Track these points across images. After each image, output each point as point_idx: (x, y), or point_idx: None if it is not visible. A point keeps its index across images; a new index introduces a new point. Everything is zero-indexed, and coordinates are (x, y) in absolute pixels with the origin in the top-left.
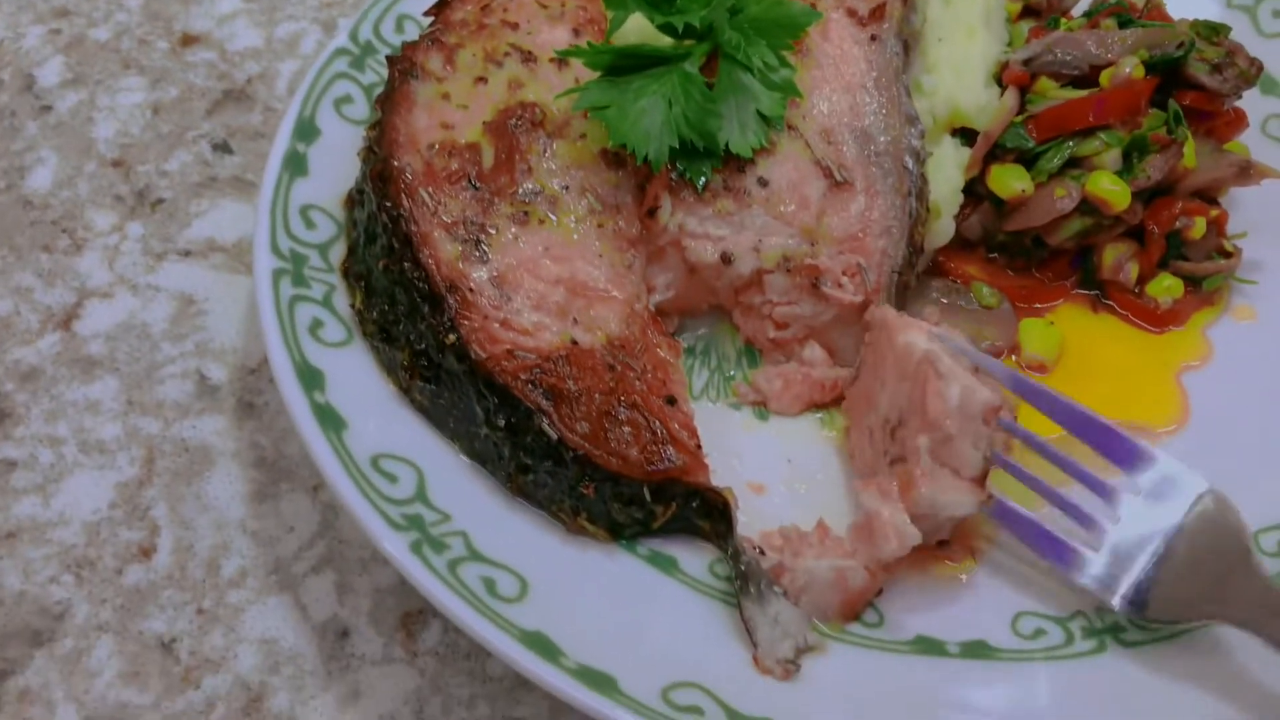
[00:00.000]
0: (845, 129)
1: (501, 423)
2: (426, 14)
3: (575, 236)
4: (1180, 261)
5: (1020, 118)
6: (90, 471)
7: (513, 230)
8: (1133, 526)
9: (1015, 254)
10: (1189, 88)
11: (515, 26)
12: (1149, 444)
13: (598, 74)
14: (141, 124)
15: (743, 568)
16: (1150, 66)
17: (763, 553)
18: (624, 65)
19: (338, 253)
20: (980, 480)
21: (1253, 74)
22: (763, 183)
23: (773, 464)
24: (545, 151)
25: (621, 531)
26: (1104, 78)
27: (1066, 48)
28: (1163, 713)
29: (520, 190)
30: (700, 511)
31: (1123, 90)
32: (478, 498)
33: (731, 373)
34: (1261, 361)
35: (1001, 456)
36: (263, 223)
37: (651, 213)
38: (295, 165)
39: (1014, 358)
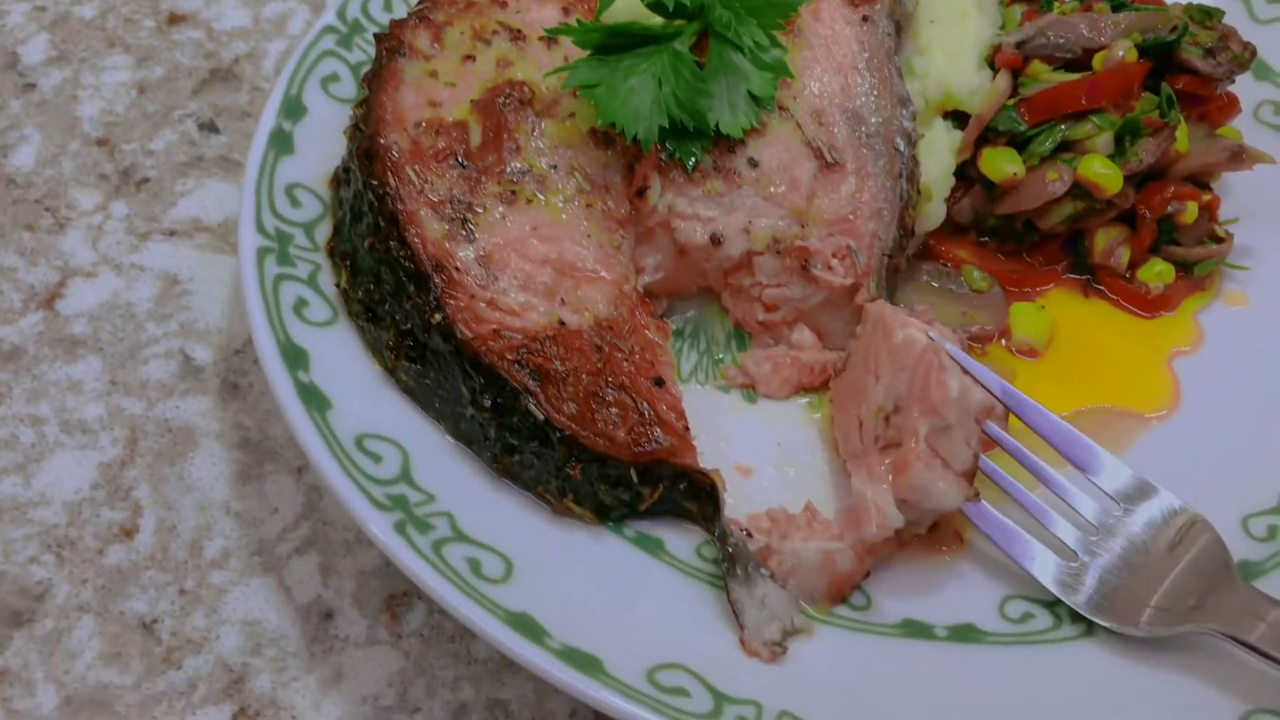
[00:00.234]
0: (836, 110)
1: (487, 403)
2: None
3: (563, 216)
4: (1172, 246)
5: (1012, 101)
6: (72, 451)
7: (500, 209)
8: (1108, 538)
9: (1006, 238)
10: (1182, 72)
11: (504, 4)
12: (1126, 465)
13: (587, 52)
14: (126, 103)
15: (730, 550)
16: (1143, 50)
17: (750, 535)
18: (614, 44)
19: (323, 232)
20: (969, 477)
21: (1246, 58)
22: (753, 164)
23: (761, 447)
24: (533, 130)
25: (608, 513)
26: (1097, 61)
27: (1059, 30)
28: (1150, 696)
29: (508, 169)
30: (688, 493)
31: (1115, 74)
32: (463, 479)
33: (720, 356)
34: (1252, 347)
35: (985, 460)
36: (247, 201)
37: (641, 193)
38: (281, 144)
39: (1004, 342)
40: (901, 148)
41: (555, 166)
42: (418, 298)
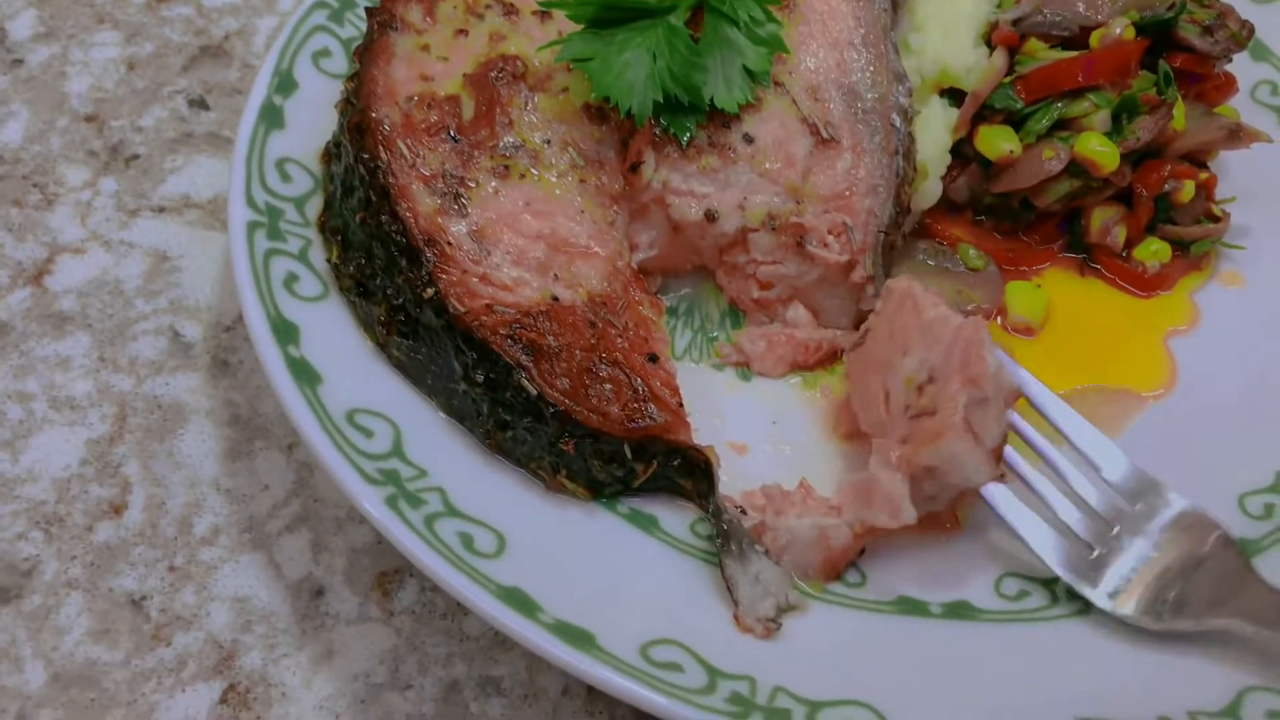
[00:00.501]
0: (832, 86)
1: (480, 378)
2: None
3: (557, 191)
4: (1168, 225)
5: (1009, 78)
6: (61, 428)
7: (493, 184)
8: (1122, 532)
9: (1002, 216)
10: (1179, 49)
11: None
12: (1133, 461)
13: (581, 26)
14: (116, 79)
15: (724, 526)
16: (1140, 28)
17: (744, 512)
18: (608, 17)
19: (314, 207)
20: (997, 455)
21: (1244, 37)
22: (748, 139)
23: (756, 424)
24: (527, 105)
25: (601, 489)
26: (1094, 39)
27: (1056, 8)
28: (1145, 675)
29: (501, 144)
30: (681, 470)
31: (1112, 51)
32: (455, 454)
33: (715, 334)
34: (1248, 327)
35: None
36: (238, 175)
37: (635, 168)
38: (271, 118)
39: (1000, 320)
40: (898, 124)
41: (549, 141)
42: (409, 273)
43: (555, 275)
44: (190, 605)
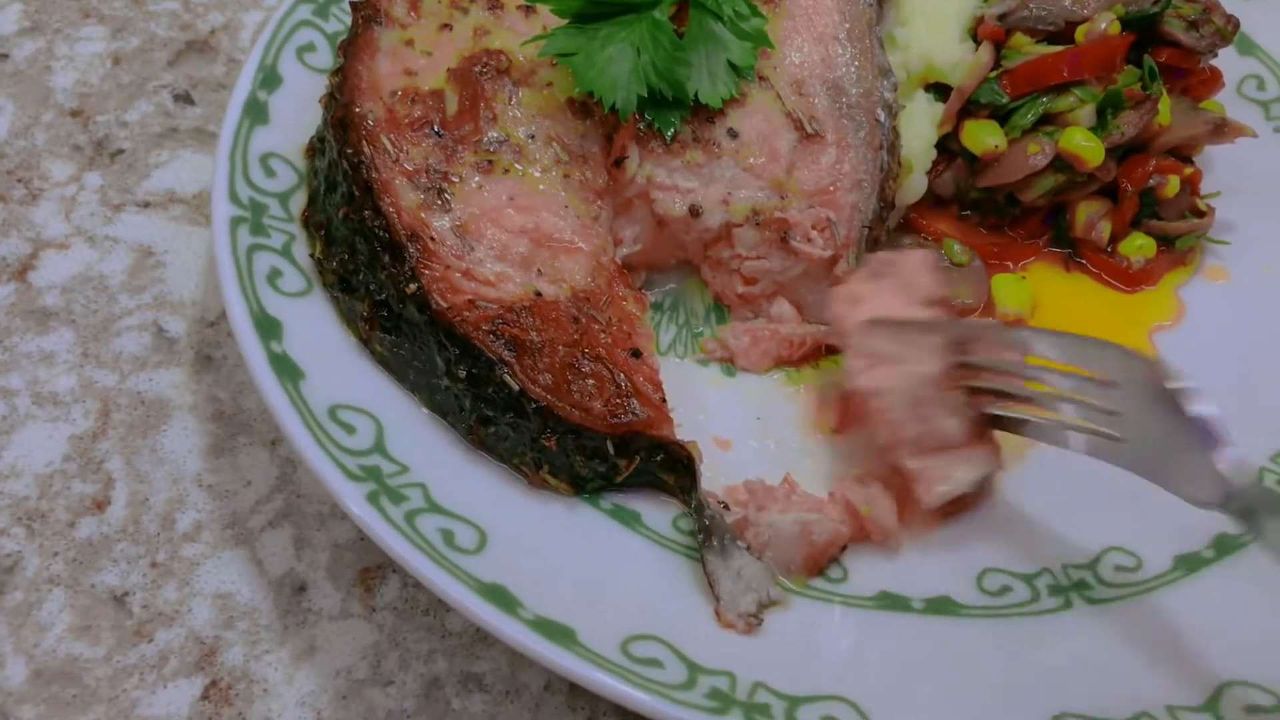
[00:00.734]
0: (817, 80)
1: (463, 374)
2: None
3: (541, 186)
4: (1153, 220)
5: (995, 73)
6: (43, 424)
7: (476, 179)
8: (1130, 414)
9: (988, 211)
10: (1165, 44)
11: None
12: (1124, 348)
13: (565, 21)
14: (101, 74)
15: (706, 521)
16: (1126, 22)
17: (727, 507)
18: (592, 12)
19: (298, 202)
20: (980, 435)
21: (1229, 32)
22: (733, 134)
23: (740, 420)
24: (511, 99)
25: (584, 485)
26: (1079, 33)
27: (1043, 2)
28: (1129, 669)
29: (485, 138)
30: (664, 465)
31: (1098, 46)
32: (438, 450)
33: (700, 329)
34: (1233, 322)
35: (987, 389)
36: (221, 170)
37: (619, 163)
38: (256, 113)
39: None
40: (882, 119)
41: (533, 136)
42: (392, 268)
43: (539, 270)
44: (172, 601)
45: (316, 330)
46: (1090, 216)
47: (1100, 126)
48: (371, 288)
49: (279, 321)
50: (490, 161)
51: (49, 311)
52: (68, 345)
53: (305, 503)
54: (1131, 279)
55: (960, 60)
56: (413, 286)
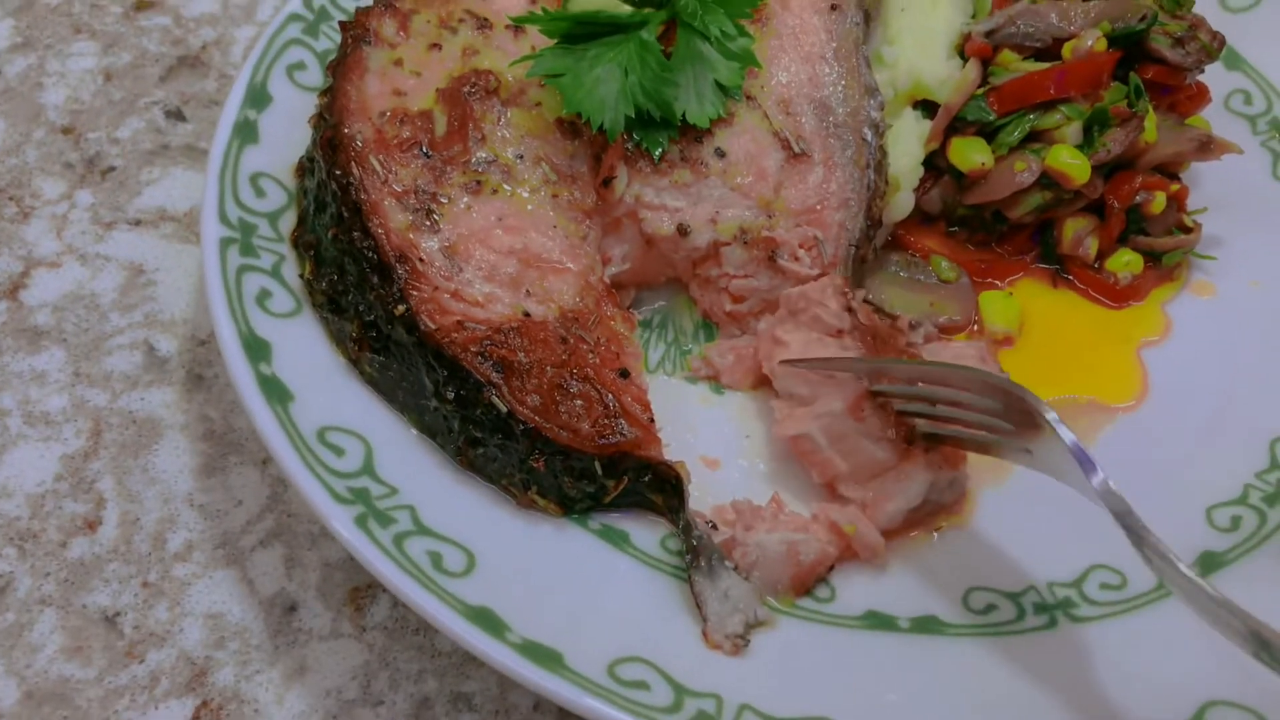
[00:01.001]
0: (804, 100)
1: (451, 395)
2: None
3: (529, 207)
4: (1140, 236)
5: (982, 90)
6: (35, 443)
7: (465, 200)
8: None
9: (975, 228)
10: (1151, 61)
11: None
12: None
13: (553, 41)
14: (93, 90)
15: (693, 542)
16: (1113, 39)
17: (715, 527)
18: (580, 32)
19: (288, 222)
20: (909, 452)
21: (1215, 48)
22: (720, 154)
23: (729, 439)
24: (499, 120)
25: (572, 505)
26: (1066, 50)
27: (1029, 19)
28: (1113, 688)
29: (473, 159)
30: (652, 485)
31: (1084, 63)
32: (427, 471)
33: (689, 346)
34: (1220, 338)
35: (910, 411)
36: (211, 191)
37: (607, 183)
38: (246, 133)
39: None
40: (869, 138)
41: (521, 156)
42: (381, 289)
43: (527, 291)
44: (163, 622)
45: (306, 351)
46: (1077, 233)
47: (1087, 143)
48: (360, 309)
49: (268, 343)
50: (479, 182)
51: (40, 330)
52: (59, 364)
53: (296, 522)
54: (1119, 295)
55: (947, 77)
56: (401, 308)
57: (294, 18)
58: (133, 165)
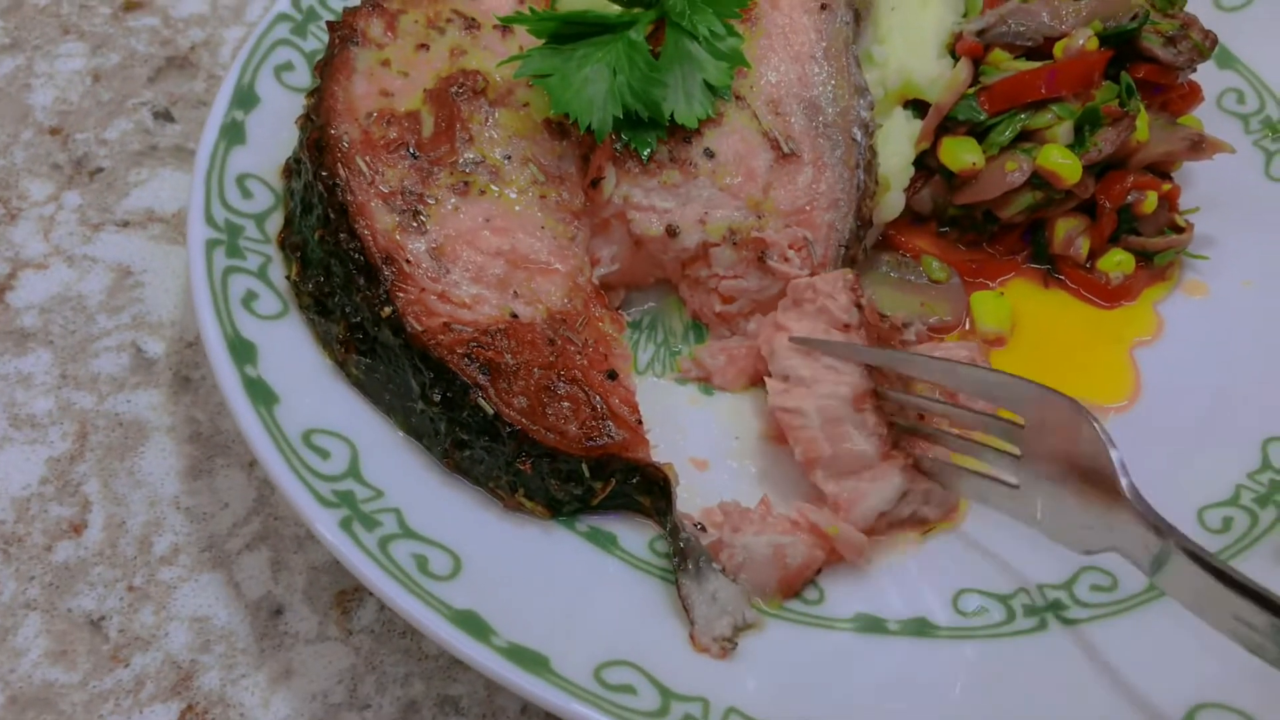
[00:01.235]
0: (793, 100)
1: (437, 397)
2: None
3: (517, 208)
4: (1132, 236)
5: (973, 89)
6: (20, 446)
7: (452, 201)
8: (1028, 458)
9: (966, 228)
10: (1143, 60)
11: None
12: (1032, 381)
13: (541, 41)
14: (81, 91)
15: (680, 544)
16: (1104, 38)
17: (703, 529)
18: (568, 32)
19: (275, 223)
20: (889, 454)
21: (1207, 47)
22: (709, 154)
23: (718, 440)
24: (487, 120)
25: (560, 508)
26: (1058, 49)
27: (1020, 18)
28: (1103, 690)
29: (461, 160)
30: (640, 488)
31: (1076, 62)
32: (413, 474)
33: (678, 348)
34: (1212, 337)
35: (901, 423)
36: (197, 192)
37: (595, 184)
38: (233, 134)
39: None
40: (859, 138)
41: (509, 157)
42: (368, 291)
43: (515, 292)
44: (149, 625)
45: (292, 353)
46: (1069, 233)
47: (1078, 143)
48: (347, 310)
49: (254, 345)
50: (466, 183)
51: (27, 332)
52: (45, 366)
53: (282, 525)
54: (1110, 295)
55: (938, 77)
56: (388, 309)
57: (282, 18)
58: (121, 166)
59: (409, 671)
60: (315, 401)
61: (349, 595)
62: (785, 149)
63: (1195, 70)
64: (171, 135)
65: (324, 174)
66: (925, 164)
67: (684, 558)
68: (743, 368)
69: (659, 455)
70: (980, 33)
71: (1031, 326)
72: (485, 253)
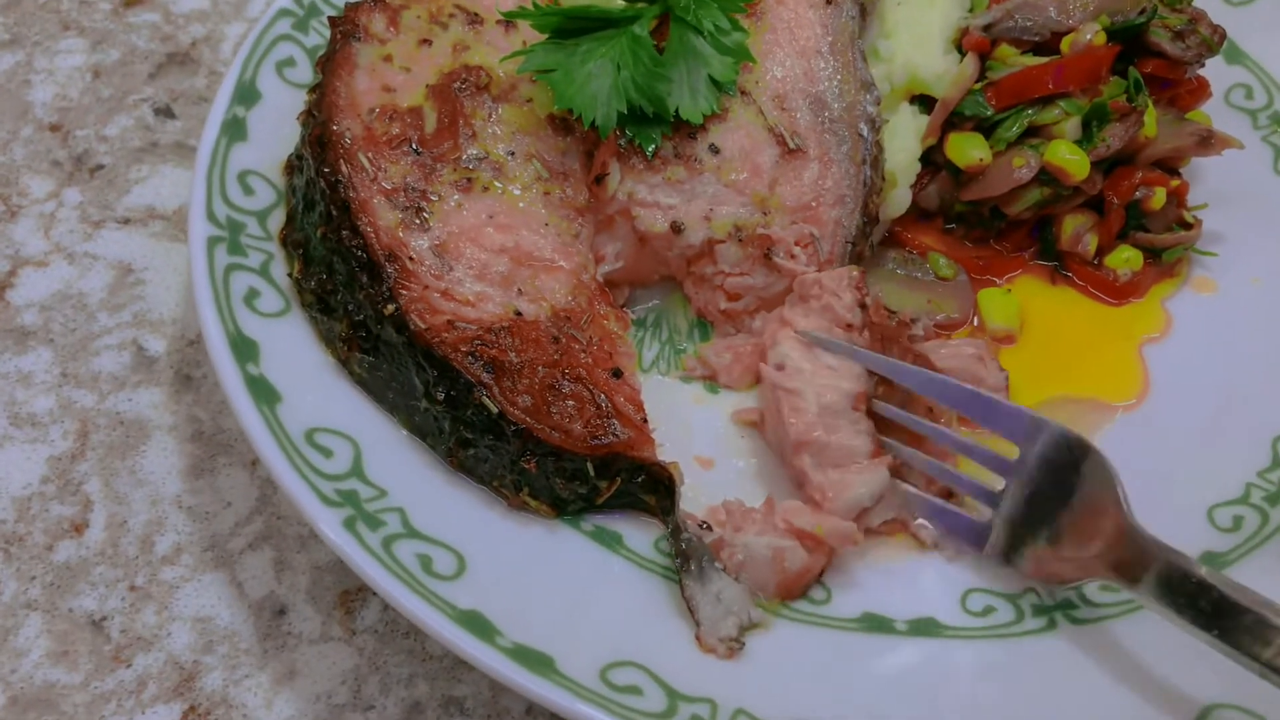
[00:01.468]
0: (799, 95)
1: (441, 396)
2: None
3: (521, 204)
4: (1140, 233)
5: (980, 85)
6: (21, 445)
7: (455, 197)
8: (1011, 487)
9: (973, 224)
10: (1151, 55)
11: None
12: (1031, 411)
13: (545, 36)
14: (81, 87)
15: (683, 545)
16: (1112, 33)
17: (708, 528)
18: (572, 27)
19: (277, 220)
20: (878, 453)
21: (1215, 42)
22: (714, 150)
23: (723, 438)
24: (490, 116)
25: (565, 507)
26: (1065, 44)
27: (1027, 13)
28: (1113, 691)
29: (464, 156)
30: (645, 486)
31: (1083, 57)
32: (416, 473)
33: (683, 345)
34: (1221, 334)
35: (885, 440)
36: (199, 189)
37: (599, 180)
38: (234, 130)
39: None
40: (865, 133)
41: (512, 153)
42: (370, 288)
43: (519, 289)
44: (151, 625)
45: (294, 351)
46: (1076, 229)
47: (1086, 139)
48: (350, 308)
49: (256, 343)
50: (469, 179)
51: (27, 330)
52: (46, 365)
53: (285, 524)
54: (1118, 292)
55: (945, 72)
56: (391, 307)
57: (284, 13)
58: (121, 163)
59: (413, 672)
60: (318, 400)
61: (352, 595)
62: (791, 144)
63: (1203, 65)
64: (172, 132)
65: (326, 170)
66: (932, 160)
67: (686, 558)
68: (748, 365)
69: (664, 454)
70: (987, 27)
71: (1039, 324)
72: (489, 250)
